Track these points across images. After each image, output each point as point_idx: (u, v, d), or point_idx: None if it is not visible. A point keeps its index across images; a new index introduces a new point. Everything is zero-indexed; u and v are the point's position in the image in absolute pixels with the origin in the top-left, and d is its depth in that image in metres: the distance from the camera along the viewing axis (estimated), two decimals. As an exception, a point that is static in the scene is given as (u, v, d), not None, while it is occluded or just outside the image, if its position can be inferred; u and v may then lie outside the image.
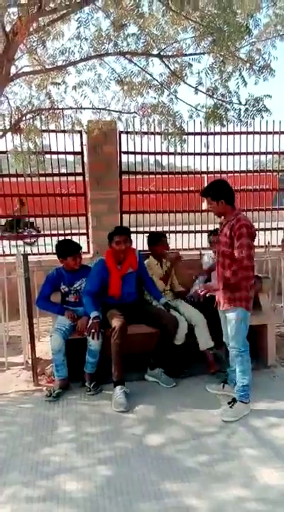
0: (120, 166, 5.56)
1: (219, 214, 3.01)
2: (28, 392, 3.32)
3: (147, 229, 5.54)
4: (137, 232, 5.33)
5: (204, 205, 5.93)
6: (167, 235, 4.33)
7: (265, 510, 2.07)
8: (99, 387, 3.29)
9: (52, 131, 5.15)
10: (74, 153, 5.52)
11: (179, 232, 5.85)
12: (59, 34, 3.71)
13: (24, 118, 4.16)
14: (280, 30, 3.86)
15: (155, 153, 5.75)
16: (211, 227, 4.73)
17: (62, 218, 5.65)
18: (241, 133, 5.71)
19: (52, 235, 5.57)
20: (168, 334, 3.36)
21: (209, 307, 3.39)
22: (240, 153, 5.94)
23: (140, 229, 5.57)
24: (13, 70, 3.68)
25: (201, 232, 5.74)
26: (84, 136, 5.30)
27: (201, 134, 5.70)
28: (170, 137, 4.24)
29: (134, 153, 5.62)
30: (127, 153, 5.59)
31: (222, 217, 3.01)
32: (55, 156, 5.57)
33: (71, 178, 5.63)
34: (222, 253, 2.91)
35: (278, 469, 2.35)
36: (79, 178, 5.64)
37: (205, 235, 4.71)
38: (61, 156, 5.59)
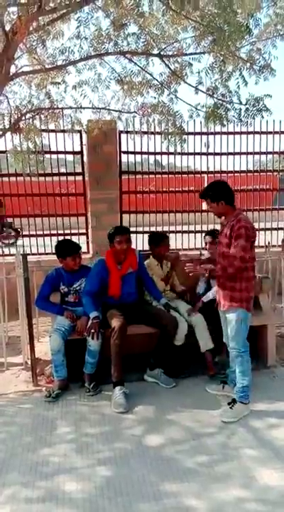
0: (120, 165, 5.56)
1: (219, 214, 3.00)
2: (28, 393, 3.31)
3: (147, 229, 5.54)
4: (137, 232, 5.32)
5: (204, 205, 5.92)
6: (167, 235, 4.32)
7: (265, 511, 2.06)
8: (98, 387, 3.28)
9: (52, 130, 5.14)
10: (73, 152, 5.51)
11: (179, 232, 5.84)
12: (59, 33, 3.70)
13: (24, 117, 4.15)
14: (280, 29, 3.85)
15: (155, 153, 5.74)
16: (211, 227, 4.72)
17: (62, 218, 5.64)
18: (241, 133, 5.70)
19: (51, 235, 5.56)
20: (168, 334, 3.35)
21: (209, 309, 3.39)
22: (240, 153, 5.93)
23: (140, 229, 5.56)
24: (12, 70, 3.67)
25: (202, 232, 5.71)
26: (84, 135, 5.29)
27: (201, 133, 5.70)
28: (170, 137, 4.23)
29: (134, 152, 5.61)
30: (127, 152, 5.58)
31: (222, 217, 3.00)
32: (54, 156, 5.56)
33: (71, 178, 5.62)
34: (222, 254, 2.89)
35: (278, 470, 2.34)
36: (79, 178, 5.63)
37: (205, 236, 4.70)
38: (61, 156, 5.58)
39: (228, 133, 5.68)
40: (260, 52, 3.83)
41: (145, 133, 5.21)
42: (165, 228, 5.68)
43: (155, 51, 3.83)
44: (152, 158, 5.91)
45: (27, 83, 4.14)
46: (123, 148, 5.53)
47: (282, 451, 2.52)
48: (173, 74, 3.94)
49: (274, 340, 3.70)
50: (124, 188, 5.64)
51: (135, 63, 3.91)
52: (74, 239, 4.32)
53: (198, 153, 5.83)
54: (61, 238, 4.71)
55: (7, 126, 4.15)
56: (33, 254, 5.56)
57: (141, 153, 5.65)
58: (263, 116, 3.90)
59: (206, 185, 3.43)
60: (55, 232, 5.62)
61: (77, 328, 3.36)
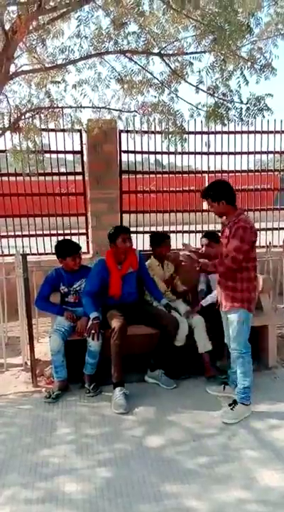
0: (120, 165, 5.54)
1: (220, 214, 2.97)
2: (27, 394, 3.30)
3: (147, 229, 5.52)
4: (137, 232, 5.31)
5: (205, 205, 5.90)
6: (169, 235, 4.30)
7: (266, 512, 2.05)
8: (98, 388, 3.27)
9: (52, 130, 5.12)
10: (73, 152, 5.49)
11: (179, 232, 5.82)
12: (59, 32, 3.69)
13: (23, 117, 4.14)
14: (281, 28, 3.85)
15: (155, 153, 5.72)
16: (212, 227, 4.70)
17: (62, 218, 5.63)
18: (242, 132, 5.68)
19: (51, 235, 5.54)
20: (168, 335, 3.33)
21: (209, 312, 3.38)
22: (241, 153, 5.91)
23: (140, 229, 5.55)
24: (12, 69, 3.66)
25: (202, 232, 5.71)
26: (84, 135, 5.27)
27: (202, 133, 5.67)
28: (170, 136, 4.22)
29: (134, 152, 5.59)
30: (127, 152, 5.57)
31: (224, 217, 2.98)
32: (54, 155, 5.55)
33: (70, 178, 5.60)
34: (222, 255, 2.87)
35: (279, 471, 2.33)
36: (79, 178, 5.62)
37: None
38: (60, 155, 5.56)
39: (229, 132, 5.66)
40: (261, 52, 3.81)
41: (145, 132, 5.19)
42: (166, 228, 5.66)
43: (156, 50, 3.82)
44: (152, 157, 5.88)
45: (27, 82, 4.13)
46: (124, 148, 5.51)
47: (283, 452, 2.50)
48: (174, 73, 3.93)
49: (275, 341, 3.69)
50: (124, 188, 5.62)
51: (136, 62, 3.89)
52: (74, 239, 4.30)
53: (199, 153, 5.81)
54: (61, 238, 4.70)
55: (7, 126, 4.13)
56: (33, 254, 5.55)
57: (141, 152, 5.63)
58: (264, 116, 3.90)
59: (207, 184, 3.41)
60: (54, 232, 5.61)
61: (77, 329, 3.35)
